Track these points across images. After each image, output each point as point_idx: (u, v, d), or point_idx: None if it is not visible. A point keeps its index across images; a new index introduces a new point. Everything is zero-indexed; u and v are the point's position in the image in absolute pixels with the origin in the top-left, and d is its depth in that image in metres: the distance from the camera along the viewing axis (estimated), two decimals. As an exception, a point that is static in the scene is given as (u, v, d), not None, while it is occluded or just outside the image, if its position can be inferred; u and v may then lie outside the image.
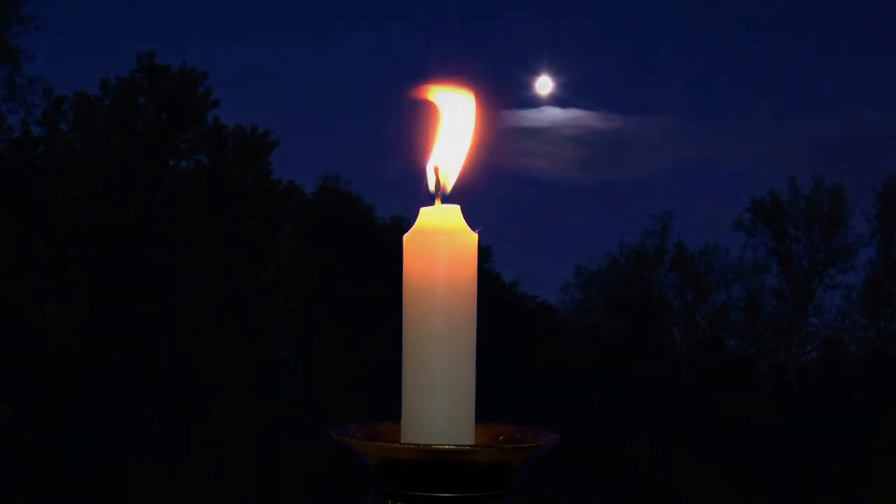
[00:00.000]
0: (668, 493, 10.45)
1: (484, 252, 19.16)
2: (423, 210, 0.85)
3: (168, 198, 18.05)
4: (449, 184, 0.88)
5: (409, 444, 0.81)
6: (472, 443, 0.83)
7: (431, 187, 0.87)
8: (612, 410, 14.66)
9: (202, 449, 9.49)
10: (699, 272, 25.61)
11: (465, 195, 0.87)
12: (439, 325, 0.83)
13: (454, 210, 0.85)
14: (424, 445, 0.79)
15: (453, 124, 0.89)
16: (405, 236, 0.84)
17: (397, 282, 0.84)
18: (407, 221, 0.86)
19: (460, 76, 0.89)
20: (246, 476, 8.78)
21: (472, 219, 0.85)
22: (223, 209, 18.27)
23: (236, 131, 20.77)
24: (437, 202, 0.86)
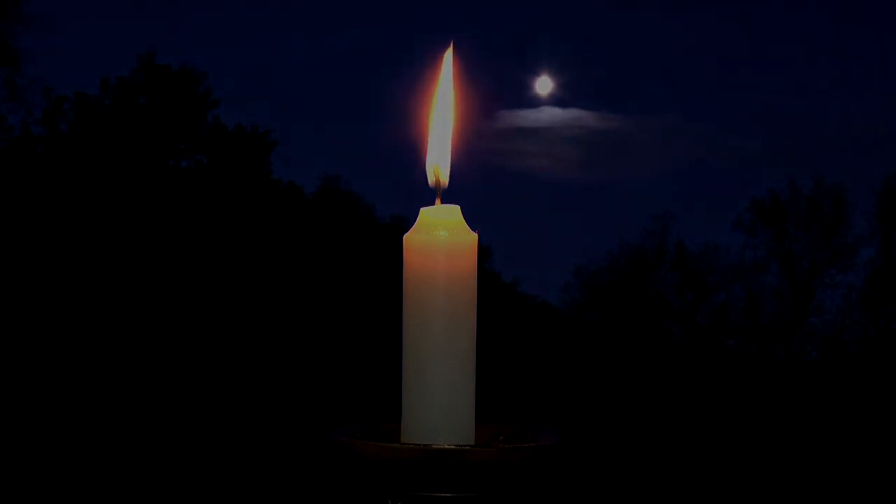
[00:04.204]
0: (669, 493, 10.45)
1: (484, 252, 19.12)
2: (422, 210, 0.85)
3: (168, 198, 18.05)
4: (445, 175, 0.88)
5: (409, 444, 0.81)
6: (472, 443, 0.83)
7: (431, 184, 0.87)
8: (611, 410, 14.67)
9: (201, 449, 9.50)
10: (699, 272, 25.62)
11: (466, 195, 0.87)
12: (439, 325, 0.82)
13: (454, 210, 0.85)
14: (424, 445, 0.79)
15: (443, 105, 0.89)
16: (405, 236, 0.84)
17: (397, 282, 0.84)
18: (407, 221, 0.86)
19: (460, 73, 0.89)
20: (245, 476, 8.78)
21: (472, 219, 0.85)
22: (223, 209, 18.27)
23: (236, 131, 20.79)
24: (437, 202, 0.86)
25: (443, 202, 0.86)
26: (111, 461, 8.68)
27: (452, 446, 0.79)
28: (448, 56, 0.88)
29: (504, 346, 15.21)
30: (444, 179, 0.87)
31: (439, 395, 0.82)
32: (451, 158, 0.89)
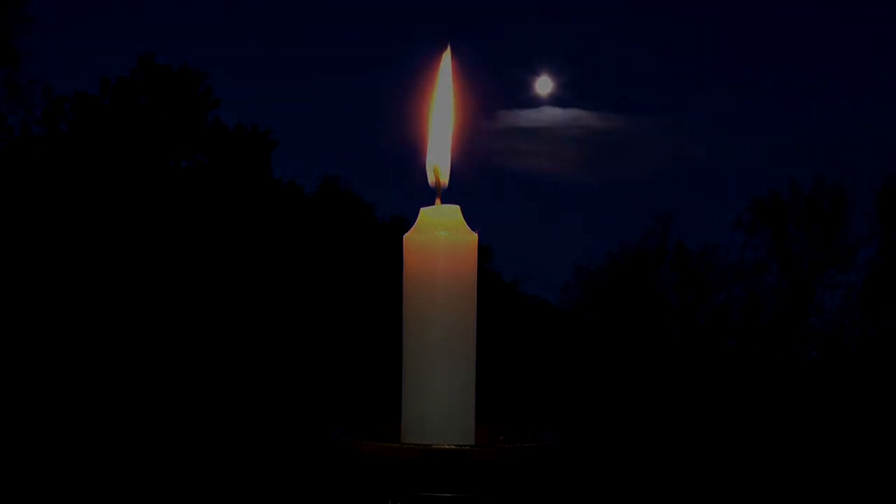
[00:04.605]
0: (669, 493, 10.46)
1: (484, 252, 19.13)
2: (422, 210, 0.85)
3: (168, 198, 18.05)
4: (445, 174, 0.87)
5: (409, 444, 0.81)
6: (472, 443, 0.83)
7: (431, 184, 0.87)
8: (611, 410, 14.67)
9: (200, 449, 9.50)
10: (699, 272, 25.62)
11: (466, 195, 0.87)
12: (439, 325, 0.83)
13: (454, 210, 0.85)
14: (424, 445, 0.79)
15: (442, 106, 0.89)
16: (405, 236, 0.84)
17: (397, 282, 0.84)
18: (407, 221, 0.86)
19: (461, 76, 0.89)
20: (244, 476, 8.79)
21: (472, 219, 0.85)
22: (223, 209, 18.27)
23: (236, 131, 20.78)
24: (437, 202, 0.86)
25: (443, 202, 0.86)
26: (110, 461, 8.69)
27: (452, 446, 0.79)
28: (446, 57, 0.88)
29: (504, 346, 15.21)
30: (444, 179, 0.87)
31: (439, 395, 0.82)
32: (451, 158, 0.89)
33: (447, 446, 0.79)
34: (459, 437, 0.82)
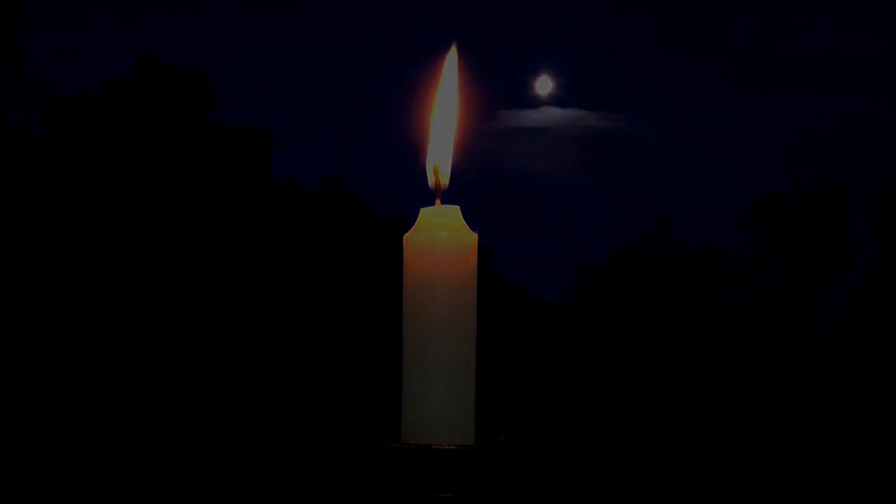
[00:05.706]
0: (669, 493, 10.45)
1: (484, 252, 19.11)
2: (422, 210, 0.85)
3: (168, 198, 18.05)
4: (446, 175, 0.87)
5: (409, 444, 0.81)
6: (472, 443, 0.83)
7: (431, 184, 0.87)
8: (612, 410, 14.67)
9: (199, 449, 9.50)
10: (699, 272, 25.62)
11: (466, 195, 0.87)
12: (439, 325, 0.83)
13: (454, 210, 0.85)
14: (424, 445, 0.79)
15: (445, 105, 0.88)
16: (405, 236, 0.84)
17: (397, 282, 0.84)
18: (407, 221, 0.86)
19: (461, 73, 0.89)
20: (244, 476, 8.78)
21: (472, 219, 0.85)
22: (223, 209, 18.27)
23: (236, 131, 20.79)
24: (437, 202, 0.86)
25: (443, 202, 0.86)
26: (109, 460, 8.69)
27: (452, 446, 0.79)
28: (451, 56, 0.88)
29: (504, 346, 15.21)
30: (444, 180, 0.87)
31: (439, 395, 0.82)
32: (452, 159, 0.89)
33: (447, 446, 0.79)
34: (459, 437, 0.82)
